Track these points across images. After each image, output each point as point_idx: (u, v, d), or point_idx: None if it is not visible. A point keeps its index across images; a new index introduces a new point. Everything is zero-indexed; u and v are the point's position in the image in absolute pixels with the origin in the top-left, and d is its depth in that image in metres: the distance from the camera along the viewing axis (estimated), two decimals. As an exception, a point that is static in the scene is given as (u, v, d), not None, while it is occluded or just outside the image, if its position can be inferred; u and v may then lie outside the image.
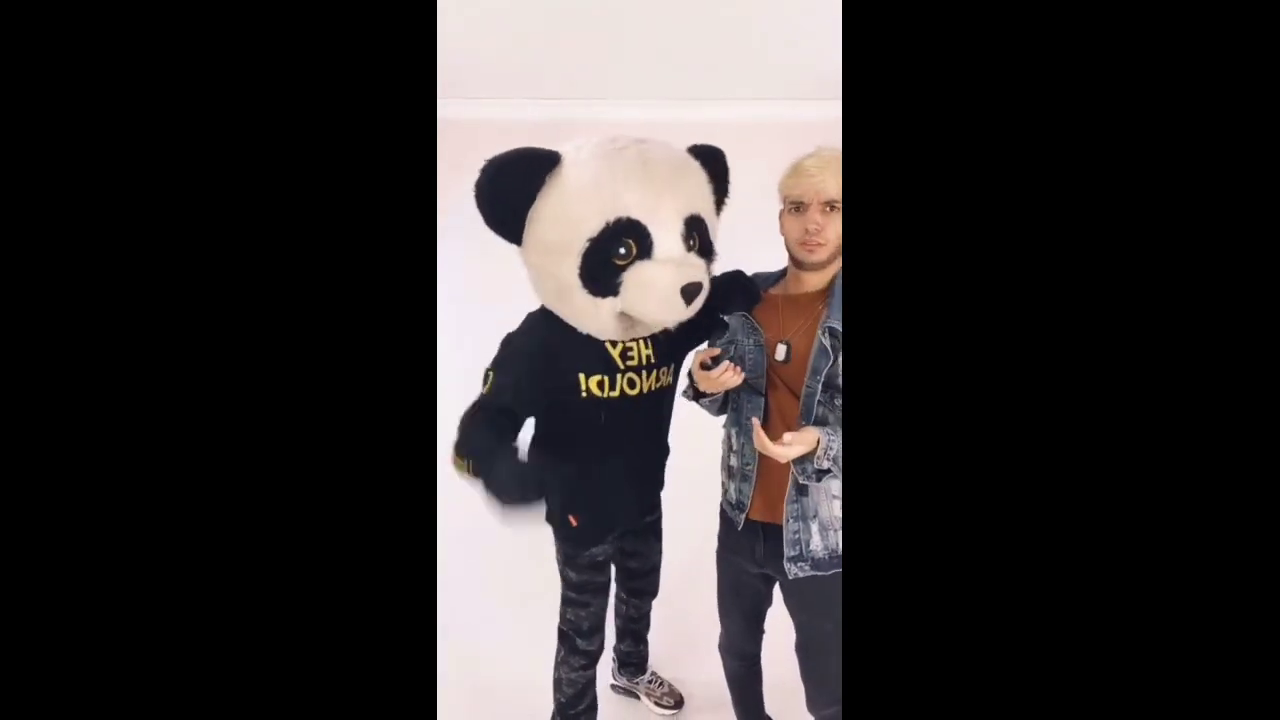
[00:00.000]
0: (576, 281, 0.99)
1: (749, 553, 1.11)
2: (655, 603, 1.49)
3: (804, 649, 1.13)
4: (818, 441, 0.93)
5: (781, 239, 1.07)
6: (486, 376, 1.08)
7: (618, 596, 1.46)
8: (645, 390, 1.12)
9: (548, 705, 1.32)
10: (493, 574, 2.00)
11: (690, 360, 1.11)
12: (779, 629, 1.20)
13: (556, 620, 1.28)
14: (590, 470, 1.13)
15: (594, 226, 0.96)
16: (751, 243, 1.19)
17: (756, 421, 0.96)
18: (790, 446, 0.92)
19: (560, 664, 1.29)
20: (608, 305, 1.01)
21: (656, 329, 1.10)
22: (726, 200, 1.17)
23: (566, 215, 0.98)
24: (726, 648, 1.28)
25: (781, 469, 1.03)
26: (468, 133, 2.06)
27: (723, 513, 1.19)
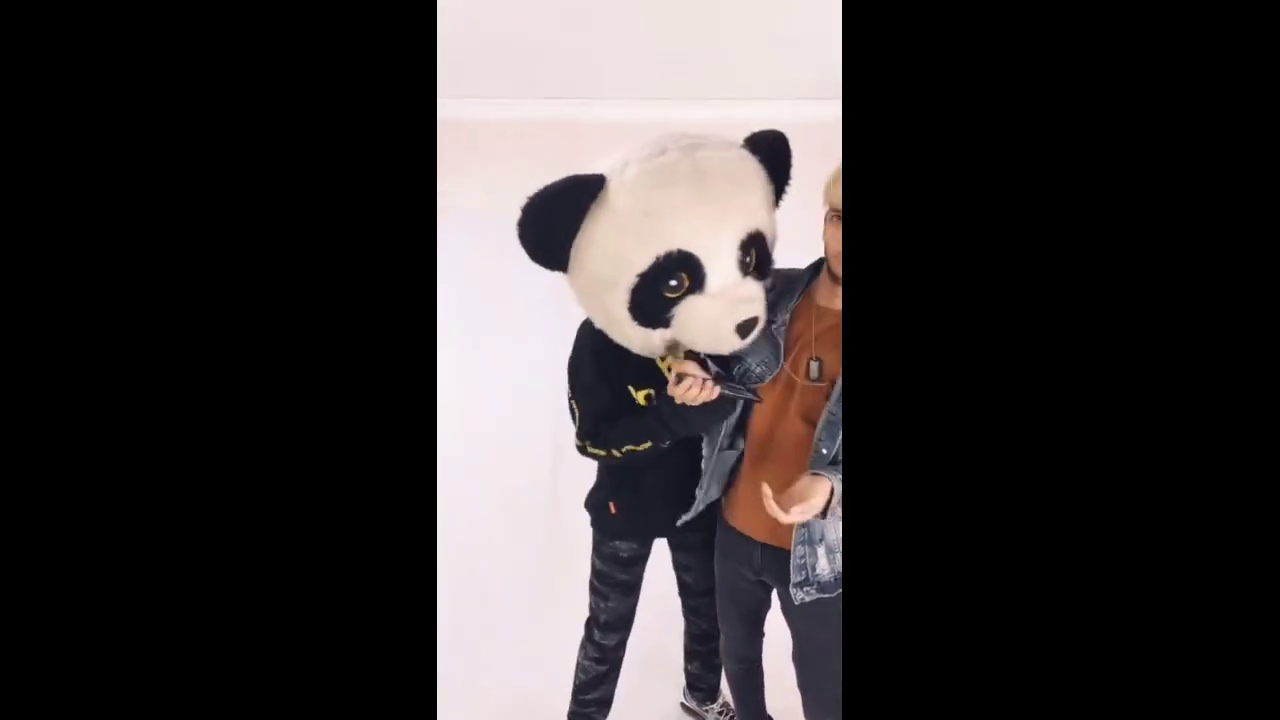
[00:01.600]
0: (626, 315, 0.95)
1: (746, 560, 1.08)
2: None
3: (802, 659, 1.11)
4: (832, 491, 0.86)
5: (822, 245, 0.97)
6: (571, 410, 1.08)
7: (684, 613, 1.42)
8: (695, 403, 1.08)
9: (550, 714, 1.32)
10: (494, 582, 1.99)
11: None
12: (781, 632, 1.18)
13: (557, 633, 1.30)
14: (636, 470, 1.12)
15: (643, 261, 0.90)
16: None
17: (768, 491, 0.85)
18: (807, 505, 0.84)
19: (581, 645, 1.30)
20: (658, 335, 0.96)
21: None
22: (787, 188, 1.07)
23: (614, 249, 0.91)
24: (726, 650, 1.27)
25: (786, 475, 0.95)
26: (468, 133, 2.06)
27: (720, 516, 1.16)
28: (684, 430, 0.99)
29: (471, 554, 1.84)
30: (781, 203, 1.06)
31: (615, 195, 0.91)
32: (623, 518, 1.18)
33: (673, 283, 0.92)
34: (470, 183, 2.00)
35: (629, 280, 0.92)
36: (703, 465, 1.09)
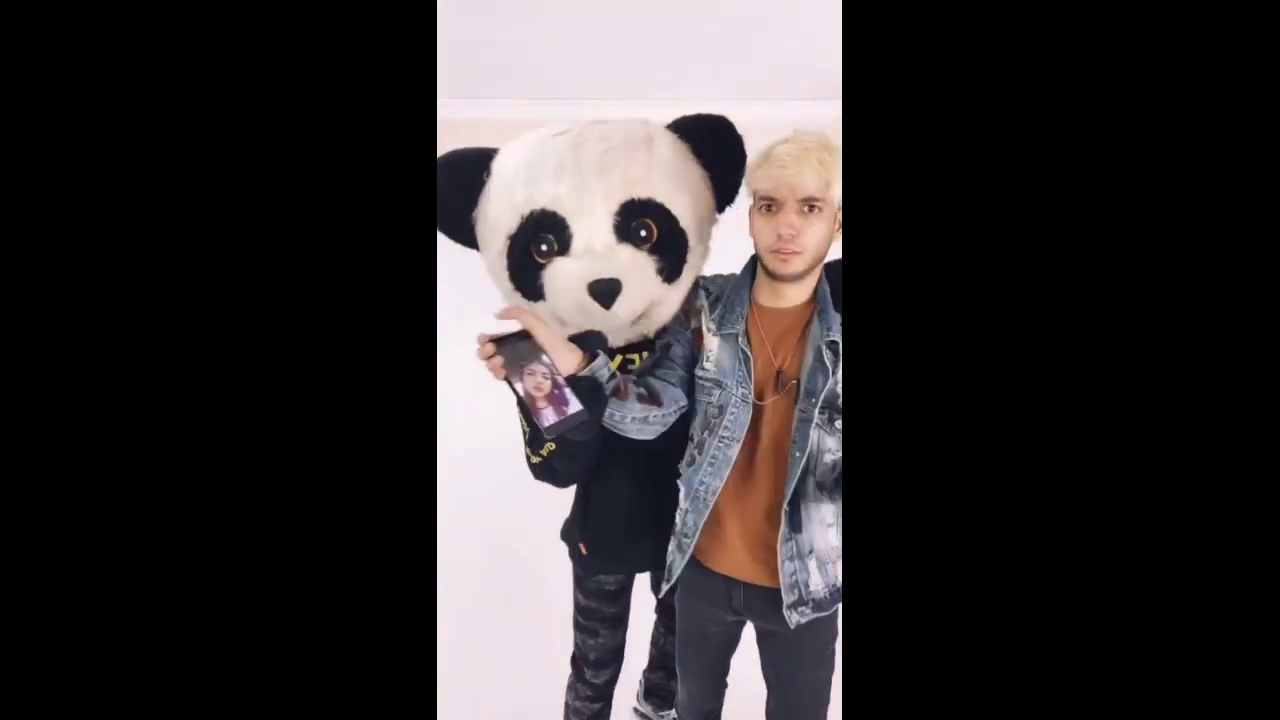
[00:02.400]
0: (510, 287, 0.94)
1: (723, 600, 0.95)
2: None
3: (787, 708, 0.98)
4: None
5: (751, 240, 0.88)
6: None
7: (656, 626, 1.40)
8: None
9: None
10: (495, 595, 1.99)
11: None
12: (742, 679, 1.08)
13: (559, 643, 1.24)
14: (595, 498, 1.04)
15: (513, 223, 0.89)
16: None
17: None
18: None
19: (569, 689, 1.23)
20: (541, 310, 0.92)
21: (623, 338, 0.96)
22: (742, 181, 0.95)
23: (493, 214, 0.92)
24: (686, 707, 1.07)
25: (749, 520, 0.89)
26: (468, 133, 2.06)
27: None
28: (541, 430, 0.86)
29: (471, 559, 1.83)
30: (738, 191, 0.98)
31: (502, 163, 0.92)
32: (597, 556, 1.10)
33: (543, 247, 0.89)
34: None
35: (501, 244, 0.91)
36: (678, 516, 0.96)
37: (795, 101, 2.04)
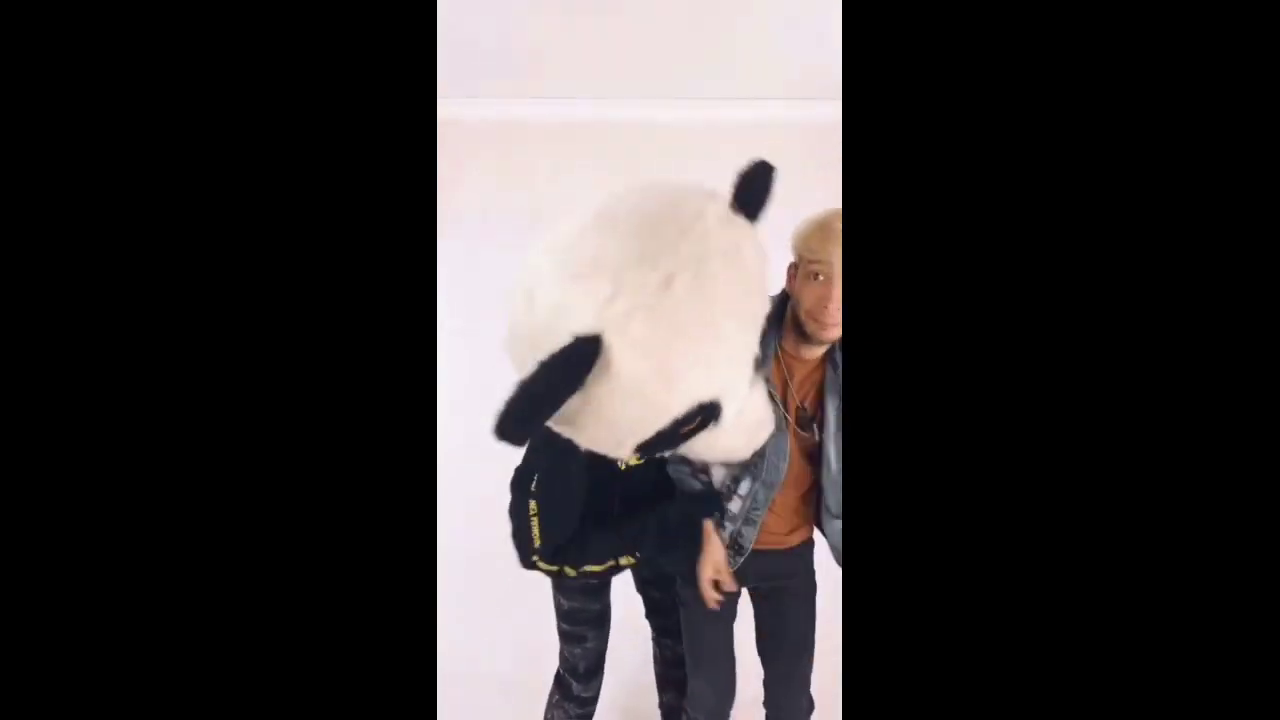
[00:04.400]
0: (628, 454, 0.80)
1: (739, 581, 1.07)
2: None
3: (782, 640, 1.12)
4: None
5: (793, 297, 0.93)
6: (522, 527, 1.00)
7: (652, 640, 1.34)
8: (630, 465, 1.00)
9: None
10: (494, 602, 1.97)
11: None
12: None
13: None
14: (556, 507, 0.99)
15: (660, 421, 0.73)
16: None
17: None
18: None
19: (553, 708, 1.19)
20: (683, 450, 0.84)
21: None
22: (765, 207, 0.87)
23: (621, 415, 0.72)
24: (710, 710, 1.13)
25: (795, 496, 1.04)
26: (468, 133, 2.06)
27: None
28: (659, 556, 0.97)
29: (471, 564, 1.83)
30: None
31: (620, 358, 0.67)
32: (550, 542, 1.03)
33: (688, 426, 0.76)
34: (470, 182, 2.00)
35: (639, 438, 0.76)
36: (733, 507, 1.05)
37: (795, 101, 2.04)
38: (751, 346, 0.78)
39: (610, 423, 0.73)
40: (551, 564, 0.99)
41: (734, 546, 1.04)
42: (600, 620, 1.14)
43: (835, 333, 0.89)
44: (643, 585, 1.24)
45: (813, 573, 1.13)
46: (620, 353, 0.67)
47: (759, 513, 1.02)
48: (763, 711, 1.17)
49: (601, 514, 1.01)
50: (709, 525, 1.04)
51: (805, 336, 0.93)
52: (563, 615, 1.14)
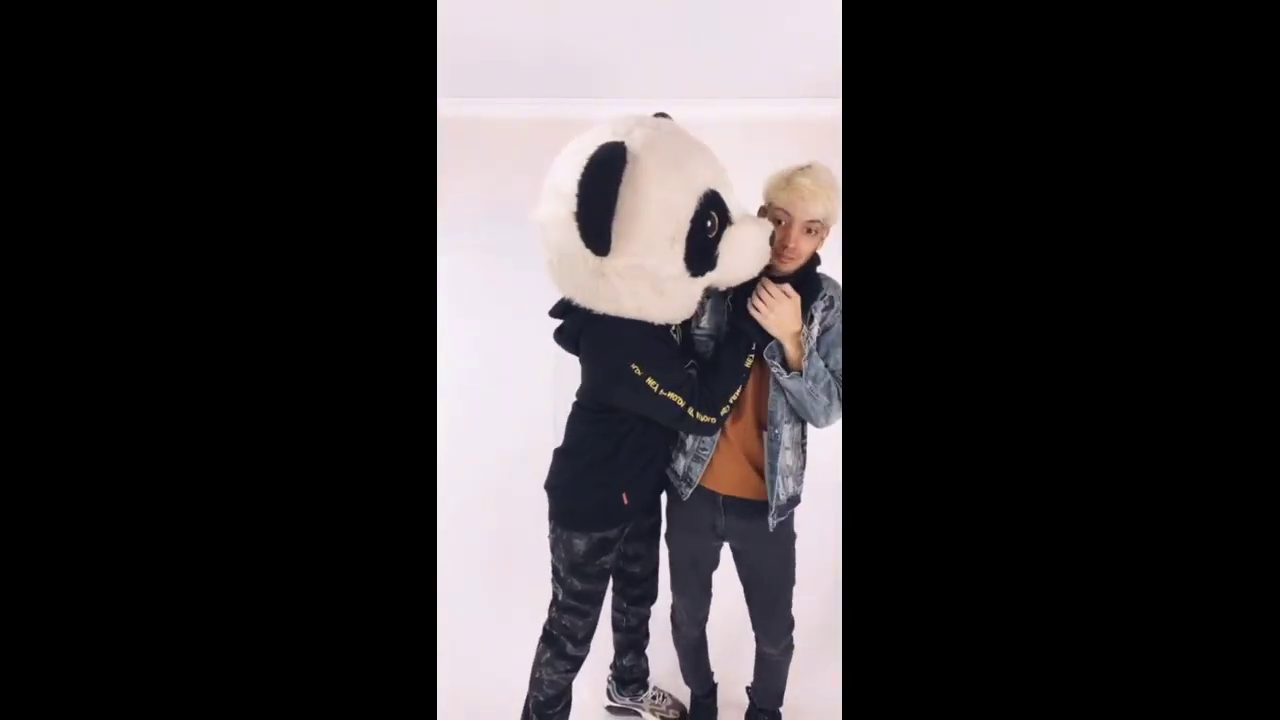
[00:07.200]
0: (681, 269, 0.98)
1: (708, 528, 1.21)
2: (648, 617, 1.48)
3: (762, 589, 1.26)
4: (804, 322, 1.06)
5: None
6: (666, 401, 1.06)
7: (616, 609, 1.44)
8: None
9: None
10: (493, 584, 1.98)
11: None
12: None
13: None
14: (617, 454, 1.14)
15: (689, 207, 0.95)
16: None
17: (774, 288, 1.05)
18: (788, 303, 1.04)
19: (544, 665, 1.26)
20: (700, 283, 1.02)
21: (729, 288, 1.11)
22: None
23: (660, 204, 0.94)
24: (686, 619, 1.37)
25: (742, 443, 1.15)
26: (468, 132, 2.06)
27: (670, 489, 1.25)
28: (758, 334, 1.08)
29: (470, 559, 1.83)
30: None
31: (641, 155, 0.93)
32: (635, 502, 1.18)
33: (709, 223, 0.97)
34: (470, 182, 2.00)
35: (682, 230, 0.95)
36: (687, 441, 1.19)
37: (795, 101, 2.04)
38: (724, 172, 1.01)
39: (657, 214, 0.93)
40: (709, 413, 1.07)
41: (685, 480, 1.21)
42: (603, 598, 1.28)
43: (792, 265, 1.09)
44: (626, 561, 1.35)
45: (786, 530, 1.23)
46: (637, 154, 0.92)
47: (706, 452, 1.18)
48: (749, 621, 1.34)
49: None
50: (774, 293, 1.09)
51: (769, 268, 1.10)
52: (574, 595, 1.22)
